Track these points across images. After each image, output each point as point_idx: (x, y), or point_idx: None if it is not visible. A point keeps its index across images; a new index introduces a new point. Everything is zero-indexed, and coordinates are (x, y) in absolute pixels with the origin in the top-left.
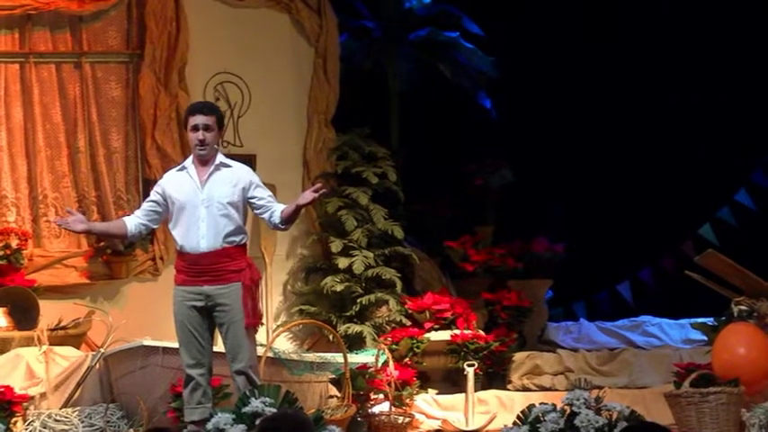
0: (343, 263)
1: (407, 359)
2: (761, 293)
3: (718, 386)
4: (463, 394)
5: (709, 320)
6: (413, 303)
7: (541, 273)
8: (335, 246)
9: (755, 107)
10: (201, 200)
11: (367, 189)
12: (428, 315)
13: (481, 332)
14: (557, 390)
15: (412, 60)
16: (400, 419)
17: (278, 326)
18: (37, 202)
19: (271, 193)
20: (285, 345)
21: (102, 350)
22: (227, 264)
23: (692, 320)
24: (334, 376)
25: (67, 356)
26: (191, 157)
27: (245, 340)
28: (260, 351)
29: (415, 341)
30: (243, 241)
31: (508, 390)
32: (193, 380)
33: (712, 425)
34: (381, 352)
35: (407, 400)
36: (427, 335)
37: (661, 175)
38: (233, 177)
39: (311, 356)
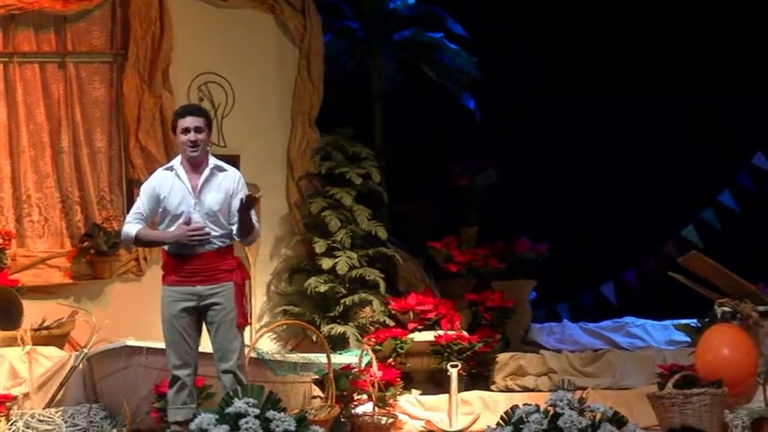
0: (326, 263)
1: (391, 360)
2: (744, 295)
3: (701, 387)
4: (447, 395)
5: (693, 322)
6: (396, 304)
7: (525, 273)
8: (319, 246)
9: (740, 109)
10: (194, 204)
11: (351, 190)
12: (412, 316)
13: (465, 333)
14: (540, 391)
15: (396, 61)
16: (384, 420)
17: (262, 326)
18: (20, 203)
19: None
20: (269, 345)
21: (85, 350)
22: (219, 263)
23: (676, 322)
24: (317, 377)
25: (51, 356)
26: (178, 158)
27: (235, 340)
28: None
29: (398, 342)
30: (232, 242)
31: (492, 390)
32: (179, 380)
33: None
34: (365, 353)
35: (391, 401)
36: (411, 335)
37: (645, 176)
38: (224, 183)
39: (295, 357)
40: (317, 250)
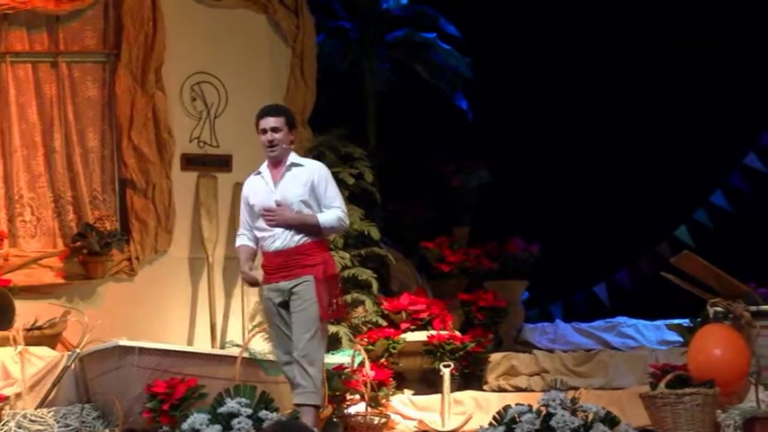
0: None
1: (383, 360)
2: (736, 295)
3: (693, 387)
4: (439, 395)
5: (685, 322)
6: (389, 304)
7: (517, 273)
8: None
9: (732, 110)
10: (275, 201)
11: (343, 190)
12: (404, 316)
13: (457, 333)
14: (533, 390)
15: (389, 61)
16: (376, 420)
17: (254, 326)
18: (12, 202)
19: (333, 196)
20: (261, 345)
21: (77, 350)
22: (301, 260)
23: (668, 322)
24: None
25: (43, 357)
26: (265, 162)
27: (306, 332)
28: (235, 351)
29: (391, 342)
30: (319, 237)
31: (484, 390)
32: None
33: (688, 426)
34: (357, 352)
35: (383, 401)
36: (403, 335)
37: (637, 177)
38: (303, 175)
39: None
40: None
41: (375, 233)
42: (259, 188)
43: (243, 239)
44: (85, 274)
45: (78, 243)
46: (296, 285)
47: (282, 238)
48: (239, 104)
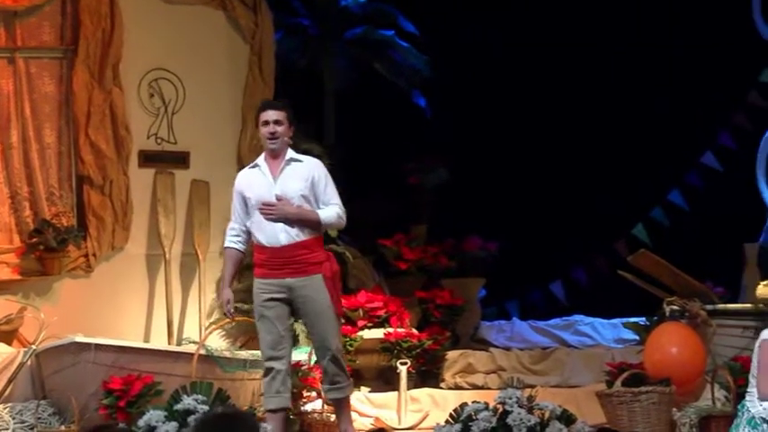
0: None
1: None
2: (693, 293)
3: (649, 386)
4: (396, 392)
5: (642, 320)
6: (346, 301)
7: (475, 271)
8: None
9: (689, 108)
10: (275, 195)
11: None
12: (361, 313)
13: (414, 330)
14: (489, 388)
15: (347, 58)
16: (332, 417)
17: (211, 323)
18: None
19: (332, 193)
20: (218, 342)
21: (33, 347)
22: (307, 256)
23: (625, 320)
24: None
25: None
26: (262, 155)
27: (333, 328)
28: (192, 348)
29: (348, 339)
30: (318, 233)
31: (441, 388)
32: (273, 369)
33: (643, 424)
34: None
35: None
36: (360, 333)
37: (594, 175)
38: (304, 171)
39: (244, 354)
40: None
41: (332, 231)
42: (256, 181)
43: (234, 240)
44: (42, 271)
45: (35, 239)
46: (305, 284)
47: (287, 234)
48: (197, 101)
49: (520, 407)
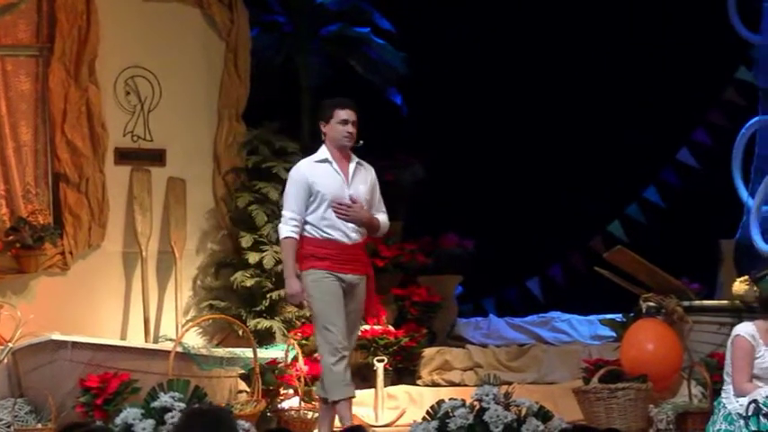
0: (253, 258)
1: (317, 354)
2: (669, 290)
3: (626, 382)
4: (373, 389)
5: (618, 317)
6: None
7: (451, 269)
8: (246, 241)
9: (665, 105)
10: (349, 195)
11: (277, 184)
12: None
13: (391, 328)
14: (466, 385)
15: (323, 55)
16: (310, 415)
17: (187, 321)
18: None
19: (381, 201)
20: (195, 340)
21: (10, 344)
22: (364, 256)
23: (601, 317)
24: (243, 371)
25: None
26: (325, 150)
27: (359, 328)
28: (169, 346)
29: None
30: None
31: (418, 385)
32: (345, 358)
33: (620, 420)
34: (291, 347)
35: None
36: None
37: (570, 172)
38: (368, 176)
39: (221, 351)
40: (244, 245)
41: None
42: (329, 177)
43: (294, 230)
44: (18, 268)
45: (11, 237)
46: (359, 282)
47: (357, 233)
48: (173, 98)
49: (497, 404)
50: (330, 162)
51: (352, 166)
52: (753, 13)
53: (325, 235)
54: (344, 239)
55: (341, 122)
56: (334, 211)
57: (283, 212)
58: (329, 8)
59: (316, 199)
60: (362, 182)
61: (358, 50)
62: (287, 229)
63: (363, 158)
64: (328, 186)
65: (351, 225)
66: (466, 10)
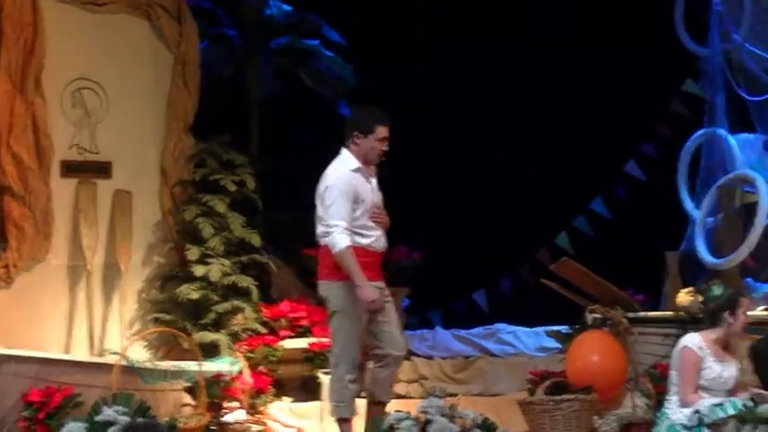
0: (199, 270)
1: (263, 367)
2: (614, 301)
3: (571, 394)
4: (318, 402)
5: (564, 328)
6: (269, 311)
7: (399, 281)
8: (192, 253)
9: (612, 118)
10: (376, 203)
11: (225, 197)
12: (284, 323)
13: None
14: (411, 397)
15: (272, 68)
16: (254, 428)
17: (132, 334)
18: None
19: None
20: (140, 353)
21: None
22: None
23: (547, 328)
24: (188, 384)
25: None
26: (351, 157)
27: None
28: (113, 359)
29: (270, 349)
30: None
31: (363, 398)
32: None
33: None
34: (236, 360)
35: (262, 409)
36: (283, 343)
37: (518, 184)
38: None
39: (166, 365)
40: (190, 257)
41: (256, 240)
42: (366, 186)
43: (349, 238)
44: None
45: None
46: (384, 287)
47: (384, 239)
48: (120, 111)
49: (442, 416)
50: (361, 171)
51: (373, 174)
52: (699, 26)
53: (366, 243)
54: (377, 246)
55: (382, 140)
56: (372, 218)
57: (335, 222)
58: (278, 21)
59: (362, 208)
60: (378, 190)
61: (307, 63)
62: (347, 239)
63: (313, 170)
64: (366, 195)
65: (380, 230)
66: (415, 21)
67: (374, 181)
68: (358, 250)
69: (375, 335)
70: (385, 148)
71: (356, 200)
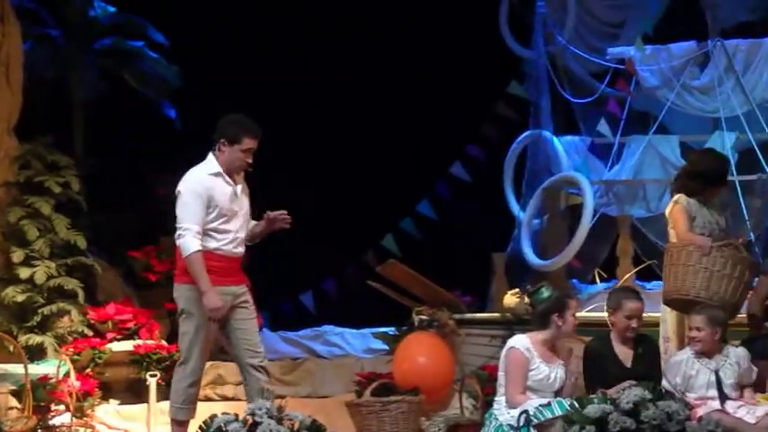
0: (24, 273)
1: (89, 370)
2: (441, 303)
3: (398, 395)
4: (146, 405)
5: (391, 330)
6: (95, 314)
7: None
8: (17, 256)
9: (438, 119)
10: (239, 209)
11: (49, 198)
12: (111, 325)
13: (164, 342)
14: (239, 399)
15: (96, 69)
16: (81, 431)
17: None
18: None
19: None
20: None
21: None
22: (239, 266)
23: (374, 330)
24: (14, 387)
25: None
26: (214, 162)
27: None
28: None
29: (97, 352)
30: None
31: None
32: (198, 381)
33: None
34: (63, 363)
35: (89, 412)
36: (109, 345)
37: (345, 185)
38: (245, 190)
39: None
40: (15, 260)
41: (81, 242)
42: (225, 191)
43: (199, 243)
44: None
45: None
46: (243, 291)
47: (243, 245)
48: None
49: (270, 418)
50: (223, 177)
51: (240, 183)
52: (524, 28)
53: (214, 247)
54: (232, 250)
55: (247, 151)
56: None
57: (187, 225)
58: (103, 22)
59: (214, 212)
60: (245, 196)
61: (132, 64)
62: (197, 243)
63: (139, 172)
64: (224, 200)
65: (240, 234)
66: (239, 22)
67: (239, 187)
68: (208, 254)
69: (229, 339)
70: (250, 161)
71: (209, 203)
